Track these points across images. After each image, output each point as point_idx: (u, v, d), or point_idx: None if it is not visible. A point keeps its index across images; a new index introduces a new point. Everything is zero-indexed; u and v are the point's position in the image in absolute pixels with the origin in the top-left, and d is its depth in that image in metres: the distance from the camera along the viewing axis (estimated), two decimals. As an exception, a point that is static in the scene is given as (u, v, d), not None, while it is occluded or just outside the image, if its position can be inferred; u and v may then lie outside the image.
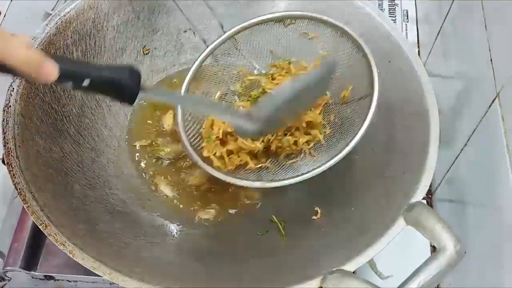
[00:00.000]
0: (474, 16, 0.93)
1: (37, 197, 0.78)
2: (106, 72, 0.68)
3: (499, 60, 0.84)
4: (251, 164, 0.94)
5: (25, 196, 0.77)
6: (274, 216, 0.97)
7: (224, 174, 0.91)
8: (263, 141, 0.94)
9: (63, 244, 0.74)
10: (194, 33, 1.12)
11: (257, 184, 0.89)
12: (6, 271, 0.93)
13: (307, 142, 0.96)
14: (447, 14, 1.11)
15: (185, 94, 0.97)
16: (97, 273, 0.72)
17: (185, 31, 1.12)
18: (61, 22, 0.94)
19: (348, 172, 0.97)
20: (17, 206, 0.98)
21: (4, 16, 1.35)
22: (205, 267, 0.87)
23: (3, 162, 0.81)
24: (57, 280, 0.95)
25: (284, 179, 0.89)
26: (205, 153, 0.95)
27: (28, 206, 0.76)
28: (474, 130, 0.90)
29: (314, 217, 0.94)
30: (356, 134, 0.86)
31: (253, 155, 0.96)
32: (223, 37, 0.99)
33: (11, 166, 0.79)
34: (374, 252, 0.74)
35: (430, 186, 0.91)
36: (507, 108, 0.80)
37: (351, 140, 0.86)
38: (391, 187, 0.85)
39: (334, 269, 0.72)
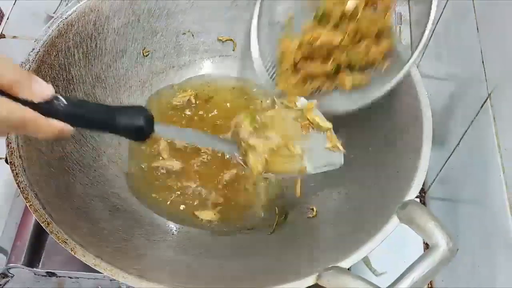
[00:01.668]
0: (466, 18, 0.94)
1: (39, 195, 0.78)
2: (124, 121, 0.66)
3: (490, 62, 0.84)
4: (327, 85, 0.91)
5: (28, 195, 0.77)
6: (276, 208, 0.97)
7: None
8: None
9: (65, 242, 0.74)
10: (192, 35, 1.12)
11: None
12: (9, 268, 0.93)
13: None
14: (440, 17, 1.11)
15: (194, 132, 0.95)
16: (97, 269, 0.72)
17: (184, 33, 1.12)
18: (63, 24, 0.94)
19: (343, 171, 0.97)
20: (20, 204, 0.98)
21: (7, 18, 1.35)
22: (204, 264, 0.87)
23: (6, 161, 0.81)
24: (59, 276, 0.95)
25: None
26: (281, 86, 0.93)
27: (30, 205, 0.76)
28: (466, 130, 0.90)
29: (310, 216, 0.94)
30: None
31: (326, 76, 0.92)
32: None
33: (14, 165, 0.79)
34: (369, 249, 0.74)
35: (423, 185, 0.91)
36: (498, 109, 0.80)
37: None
38: (385, 186, 0.85)
39: (329, 266, 0.72)
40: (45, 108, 0.59)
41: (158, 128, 0.70)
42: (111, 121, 0.65)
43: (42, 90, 0.59)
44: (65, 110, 0.60)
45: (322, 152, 0.85)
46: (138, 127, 0.67)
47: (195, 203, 0.99)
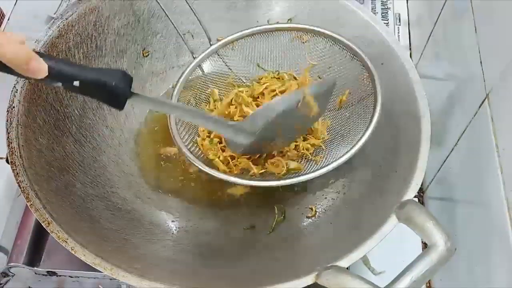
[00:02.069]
0: (464, 19, 0.94)
1: (40, 195, 0.78)
2: (97, 75, 0.66)
3: (488, 62, 0.84)
4: (254, 170, 0.93)
5: (28, 194, 0.77)
6: (275, 208, 0.97)
7: (230, 175, 0.90)
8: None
9: (65, 241, 0.74)
10: (192, 36, 1.12)
11: (263, 183, 0.89)
12: (10, 267, 0.93)
13: (307, 149, 0.96)
14: (438, 18, 1.11)
15: (178, 103, 0.96)
16: (98, 269, 0.72)
17: (184, 34, 1.12)
18: (63, 25, 0.94)
19: (342, 171, 0.97)
20: (21, 204, 0.98)
21: (8, 19, 1.35)
22: (204, 263, 0.87)
23: (7, 161, 0.81)
24: (60, 275, 0.95)
25: (289, 178, 0.89)
26: (211, 156, 0.95)
27: (31, 204, 0.76)
28: (464, 131, 0.90)
29: (309, 215, 0.94)
30: (365, 132, 0.87)
31: (254, 161, 0.95)
32: (208, 50, 1.01)
33: (15, 165, 0.79)
34: (367, 248, 0.74)
35: (422, 184, 0.91)
36: (496, 109, 0.80)
37: (361, 137, 0.88)
38: (384, 186, 0.86)
39: (329, 265, 0.72)
40: None
41: (138, 95, 0.72)
42: (87, 74, 0.65)
43: (35, 74, 0.62)
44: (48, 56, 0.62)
45: None
46: (114, 83, 0.67)
47: (195, 202, 1.00)
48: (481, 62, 0.85)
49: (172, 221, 0.96)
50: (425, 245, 1.04)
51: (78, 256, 0.73)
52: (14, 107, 0.84)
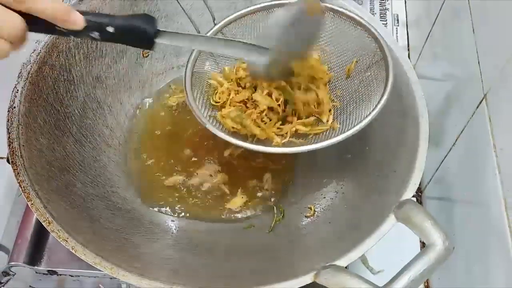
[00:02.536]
0: (462, 20, 0.94)
1: (41, 194, 0.78)
2: (127, 20, 0.70)
3: (486, 62, 0.84)
4: (277, 140, 0.89)
5: (29, 194, 0.77)
6: (274, 207, 0.97)
7: (256, 145, 0.87)
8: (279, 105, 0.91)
9: (66, 240, 0.74)
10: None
11: (283, 149, 0.86)
12: (11, 266, 0.93)
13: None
14: (436, 18, 1.12)
15: (199, 35, 0.95)
16: (98, 268, 0.72)
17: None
18: (64, 26, 0.94)
19: (340, 171, 0.97)
20: (21, 203, 0.98)
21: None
22: (204, 262, 0.87)
23: (7, 161, 0.81)
24: (60, 275, 0.95)
25: (312, 143, 0.85)
26: (234, 125, 0.91)
27: (32, 204, 0.76)
28: (462, 131, 0.90)
29: (308, 215, 0.94)
30: (382, 95, 0.84)
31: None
32: (213, 29, 0.98)
33: (16, 165, 0.79)
34: (366, 248, 0.74)
35: (420, 184, 0.91)
36: (494, 109, 0.80)
37: (380, 100, 0.84)
38: (382, 185, 0.86)
39: (327, 264, 0.72)
40: None
41: (164, 32, 0.73)
42: (118, 21, 0.69)
43: (74, 24, 0.66)
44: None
45: None
46: (142, 25, 0.70)
47: (194, 202, 1.00)
48: (479, 62, 0.85)
49: (172, 221, 0.96)
50: (423, 245, 1.04)
51: (78, 255, 0.73)
52: (15, 107, 0.84)
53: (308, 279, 0.71)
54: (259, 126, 0.89)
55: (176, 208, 0.99)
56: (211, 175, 1.02)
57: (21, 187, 0.77)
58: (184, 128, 1.08)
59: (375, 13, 1.38)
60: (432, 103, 0.96)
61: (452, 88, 0.99)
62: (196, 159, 1.04)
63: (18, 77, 0.87)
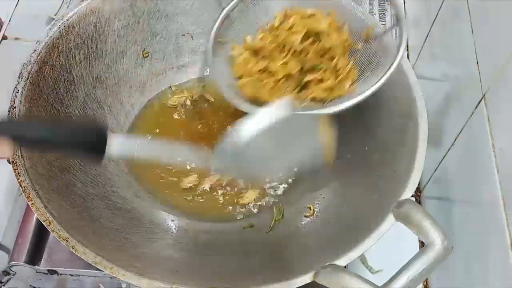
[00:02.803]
0: (461, 20, 0.94)
1: (41, 194, 0.78)
2: (71, 137, 0.63)
3: (485, 62, 0.84)
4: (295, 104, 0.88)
5: (29, 194, 0.77)
6: (274, 207, 0.97)
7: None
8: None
9: (66, 240, 0.74)
10: (192, 37, 1.12)
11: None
12: (11, 266, 0.93)
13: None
14: (435, 19, 1.12)
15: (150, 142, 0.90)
16: (98, 267, 0.72)
17: (183, 35, 1.12)
18: (64, 26, 0.94)
19: (340, 171, 0.97)
20: (22, 203, 0.98)
21: (9, 20, 1.35)
22: (203, 262, 0.87)
23: (8, 161, 0.81)
24: (60, 274, 0.95)
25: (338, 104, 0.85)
26: (248, 92, 0.91)
27: (32, 203, 0.76)
28: (461, 131, 0.90)
29: (307, 214, 0.94)
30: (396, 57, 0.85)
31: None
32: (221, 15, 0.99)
33: (16, 165, 0.79)
34: (365, 247, 0.74)
35: (419, 184, 0.91)
36: (492, 109, 0.80)
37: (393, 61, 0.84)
38: (382, 185, 0.86)
39: (327, 263, 0.72)
40: None
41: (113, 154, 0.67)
42: (61, 138, 0.62)
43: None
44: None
45: None
46: (88, 145, 0.65)
47: (194, 202, 1.00)
48: (477, 63, 0.85)
49: (172, 220, 0.96)
50: (422, 244, 1.04)
51: (78, 255, 0.73)
52: (15, 107, 0.84)
53: (307, 278, 0.71)
54: (276, 94, 0.89)
55: (185, 208, 1.00)
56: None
57: (21, 187, 0.77)
58: (187, 127, 1.09)
59: (374, 14, 1.38)
60: (431, 103, 0.96)
61: (451, 88, 0.99)
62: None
63: (19, 77, 0.87)
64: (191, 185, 1.01)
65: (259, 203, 1.00)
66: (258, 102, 0.90)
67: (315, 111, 0.85)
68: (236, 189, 1.02)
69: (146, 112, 1.09)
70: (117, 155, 0.70)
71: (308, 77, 0.89)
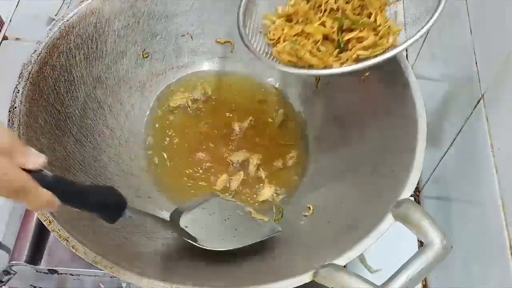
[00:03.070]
0: (460, 21, 0.94)
1: (41, 194, 0.78)
2: (96, 202, 0.68)
3: (483, 63, 0.84)
4: (336, 65, 0.85)
5: (30, 194, 0.77)
6: (274, 207, 0.97)
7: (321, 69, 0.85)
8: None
9: (66, 240, 0.74)
10: (191, 37, 1.12)
11: (346, 68, 0.83)
12: (12, 265, 0.93)
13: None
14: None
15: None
16: (98, 267, 0.72)
17: (183, 35, 1.12)
18: (64, 26, 0.94)
19: (339, 171, 0.97)
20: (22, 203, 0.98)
21: (10, 21, 1.35)
22: (203, 261, 0.87)
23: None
24: (61, 273, 0.95)
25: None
26: (284, 58, 0.88)
27: (32, 203, 0.76)
28: (460, 130, 0.90)
29: (307, 214, 0.94)
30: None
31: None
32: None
33: (16, 165, 0.79)
34: (364, 247, 0.74)
35: (418, 183, 0.91)
36: (491, 109, 0.80)
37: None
38: (381, 185, 0.86)
39: (326, 263, 0.72)
40: (36, 176, 0.58)
41: (128, 212, 0.74)
42: (87, 201, 0.67)
43: (36, 157, 0.59)
44: (49, 182, 0.60)
45: None
46: (111, 211, 0.71)
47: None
48: (476, 63, 0.85)
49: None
50: (421, 244, 1.04)
51: (78, 255, 0.73)
52: (15, 107, 0.84)
53: (306, 278, 0.71)
54: (315, 56, 0.86)
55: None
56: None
57: (22, 187, 0.77)
58: (193, 128, 1.11)
59: (373, 14, 1.38)
60: (430, 103, 0.96)
61: (450, 88, 0.99)
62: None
63: (19, 77, 0.87)
64: (224, 185, 1.03)
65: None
66: (297, 66, 0.87)
67: (360, 65, 0.82)
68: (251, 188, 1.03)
69: (151, 117, 1.11)
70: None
71: (348, 36, 0.86)
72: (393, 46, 0.84)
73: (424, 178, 1.09)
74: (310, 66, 0.86)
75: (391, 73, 0.92)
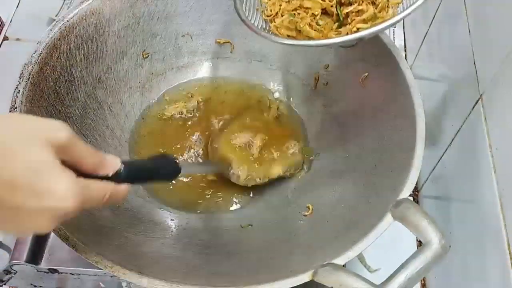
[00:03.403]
0: (458, 21, 0.94)
1: (42, 194, 0.77)
2: (163, 172, 0.77)
3: (482, 63, 0.84)
4: (331, 34, 0.85)
5: (30, 193, 0.77)
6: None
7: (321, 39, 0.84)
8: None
9: (66, 239, 0.73)
10: (191, 37, 1.12)
11: (346, 37, 0.80)
12: (12, 265, 0.93)
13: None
14: (432, 19, 1.12)
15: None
16: (98, 266, 0.72)
17: (183, 36, 1.12)
18: (65, 27, 0.94)
19: (338, 170, 0.97)
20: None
21: (10, 21, 1.35)
22: (203, 260, 0.87)
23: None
24: (61, 273, 0.95)
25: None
26: (282, 32, 0.88)
27: (33, 203, 0.76)
28: (458, 130, 0.90)
29: (306, 213, 0.94)
30: None
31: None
32: None
33: (17, 165, 0.79)
34: (363, 246, 0.74)
35: (416, 183, 0.91)
36: (490, 109, 0.80)
37: None
38: (379, 184, 0.86)
39: (325, 262, 0.72)
40: (114, 177, 0.63)
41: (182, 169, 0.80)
42: (156, 175, 0.75)
43: (114, 162, 0.63)
44: (124, 174, 0.64)
45: None
46: (174, 174, 0.79)
47: (193, 202, 1.00)
48: (474, 63, 0.85)
49: (172, 220, 0.96)
50: (420, 243, 1.04)
51: (79, 254, 0.73)
52: (16, 107, 0.84)
53: (306, 277, 0.71)
54: (315, 30, 0.86)
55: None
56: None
57: (22, 187, 0.77)
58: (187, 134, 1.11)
59: (372, 15, 1.38)
60: (428, 103, 0.96)
61: (449, 88, 0.99)
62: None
63: (20, 77, 0.87)
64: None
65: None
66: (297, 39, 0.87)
67: (360, 34, 0.79)
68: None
69: (144, 125, 1.10)
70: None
71: (346, 9, 0.85)
72: (394, 15, 0.83)
73: (423, 178, 1.09)
74: (310, 39, 0.85)
75: (390, 73, 0.92)
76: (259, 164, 1.00)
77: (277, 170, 1.01)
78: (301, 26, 0.85)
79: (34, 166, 0.51)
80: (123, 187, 0.63)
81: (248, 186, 1.00)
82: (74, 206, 0.53)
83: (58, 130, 0.55)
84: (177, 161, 0.78)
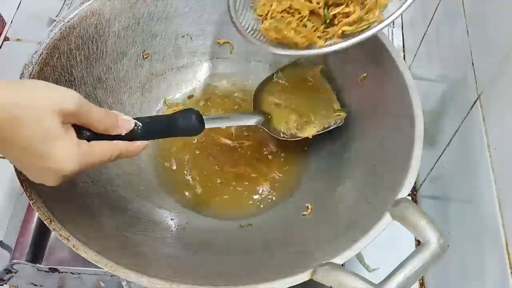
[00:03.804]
0: (456, 22, 0.94)
1: (42, 193, 0.77)
2: (182, 125, 0.79)
3: (480, 64, 0.84)
4: (321, 42, 0.86)
5: (31, 193, 0.77)
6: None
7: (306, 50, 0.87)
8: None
9: (67, 238, 0.73)
10: (191, 38, 1.12)
11: (326, 50, 0.84)
12: (13, 264, 0.93)
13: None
14: (431, 20, 1.12)
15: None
16: (98, 265, 0.72)
17: (183, 36, 1.12)
18: (65, 27, 0.94)
19: (337, 170, 0.97)
20: (24, 202, 0.98)
21: (11, 22, 1.35)
22: (202, 260, 0.87)
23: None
24: (61, 272, 0.95)
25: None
26: (271, 35, 0.89)
27: (34, 202, 0.76)
28: (457, 131, 0.90)
29: (305, 213, 0.94)
30: None
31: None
32: None
33: (18, 165, 0.79)
34: (362, 246, 0.74)
35: (415, 183, 0.91)
36: (487, 109, 0.80)
37: None
38: (378, 184, 0.86)
39: (324, 262, 0.72)
40: (128, 136, 0.70)
41: (206, 122, 0.84)
42: (174, 129, 0.78)
43: (127, 123, 0.70)
44: (142, 132, 0.71)
45: None
46: (194, 127, 0.81)
47: (193, 202, 1.00)
48: (473, 64, 0.85)
49: (172, 219, 0.96)
50: (418, 243, 1.04)
51: (79, 253, 0.73)
52: (16, 107, 0.84)
53: (305, 276, 0.71)
54: (300, 33, 0.87)
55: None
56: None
57: (23, 186, 0.77)
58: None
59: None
60: (427, 103, 0.96)
61: (447, 88, 0.99)
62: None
63: (20, 78, 0.87)
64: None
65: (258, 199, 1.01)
66: (284, 45, 0.88)
67: (345, 43, 0.83)
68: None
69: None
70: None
71: (334, 11, 0.86)
72: (379, 20, 0.83)
73: (421, 177, 1.09)
74: (295, 44, 0.87)
75: (389, 74, 0.92)
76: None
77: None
78: (285, 33, 0.87)
79: (39, 134, 0.59)
80: (137, 144, 0.71)
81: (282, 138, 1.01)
82: (74, 169, 0.63)
83: (67, 98, 0.61)
84: (200, 114, 0.82)
